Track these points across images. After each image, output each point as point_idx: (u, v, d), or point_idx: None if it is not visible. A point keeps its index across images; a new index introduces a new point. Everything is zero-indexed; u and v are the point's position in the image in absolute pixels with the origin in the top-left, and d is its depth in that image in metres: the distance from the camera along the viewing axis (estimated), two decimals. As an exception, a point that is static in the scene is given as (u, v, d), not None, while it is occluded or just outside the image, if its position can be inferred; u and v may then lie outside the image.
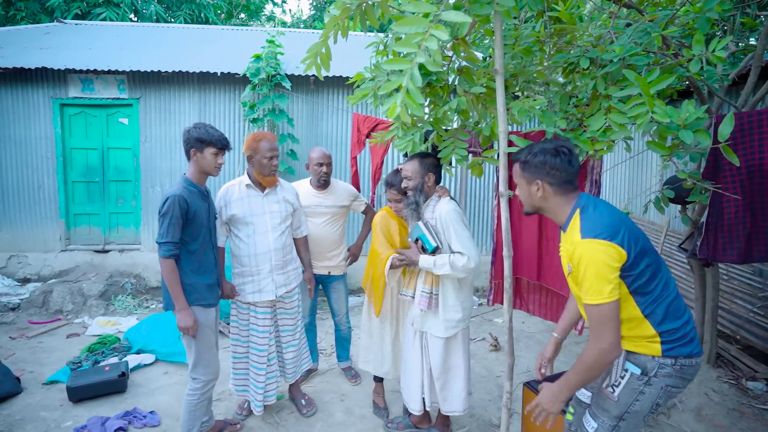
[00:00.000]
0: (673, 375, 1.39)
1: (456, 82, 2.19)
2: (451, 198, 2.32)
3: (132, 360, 3.25)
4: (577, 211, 1.42)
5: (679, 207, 3.57)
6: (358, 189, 3.92)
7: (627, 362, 1.45)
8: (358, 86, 2.46)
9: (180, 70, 4.81)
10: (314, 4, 14.30)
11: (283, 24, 13.16)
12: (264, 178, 2.39)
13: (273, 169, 2.39)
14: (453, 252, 2.14)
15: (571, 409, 1.73)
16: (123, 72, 4.89)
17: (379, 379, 2.79)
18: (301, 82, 5.09)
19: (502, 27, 1.76)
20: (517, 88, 2.27)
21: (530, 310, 2.78)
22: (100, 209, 5.20)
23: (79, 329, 4.04)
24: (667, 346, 1.38)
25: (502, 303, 2.69)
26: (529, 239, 2.59)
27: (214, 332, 2.30)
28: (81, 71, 4.88)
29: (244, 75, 4.80)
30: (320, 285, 3.03)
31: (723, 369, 3.36)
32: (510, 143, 1.76)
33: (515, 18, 2.26)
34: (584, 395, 1.72)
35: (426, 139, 2.30)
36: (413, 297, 2.32)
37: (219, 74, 4.84)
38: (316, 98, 5.17)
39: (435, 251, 2.18)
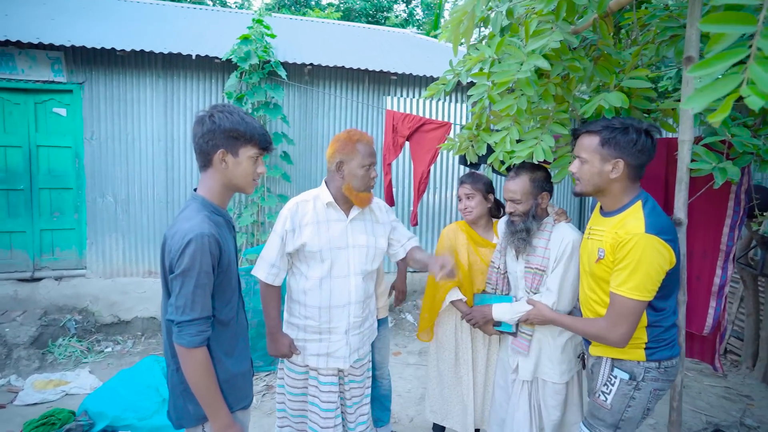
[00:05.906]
0: (660, 378, 1.43)
1: (590, 72, 1.66)
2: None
3: (100, 446, 2.32)
4: (639, 203, 1.38)
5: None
6: (392, 203, 3.28)
7: (615, 368, 1.47)
8: (455, 74, 1.83)
9: (142, 50, 3.79)
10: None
11: (240, 8, 11.91)
12: (357, 195, 1.71)
13: (371, 183, 1.74)
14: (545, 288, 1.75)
15: None
16: (59, 47, 3.76)
17: (439, 429, 2.32)
18: (293, 73, 4.29)
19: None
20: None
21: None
22: (26, 225, 3.98)
23: (5, 397, 2.93)
24: (650, 351, 1.42)
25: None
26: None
27: None
28: (-3, 43, 3.67)
29: (226, 60, 3.91)
30: None
31: (779, 390, 3.21)
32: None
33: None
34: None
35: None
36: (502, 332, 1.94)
37: (194, 57, 3.90)
38: (310, 91, 4.40)
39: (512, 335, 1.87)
